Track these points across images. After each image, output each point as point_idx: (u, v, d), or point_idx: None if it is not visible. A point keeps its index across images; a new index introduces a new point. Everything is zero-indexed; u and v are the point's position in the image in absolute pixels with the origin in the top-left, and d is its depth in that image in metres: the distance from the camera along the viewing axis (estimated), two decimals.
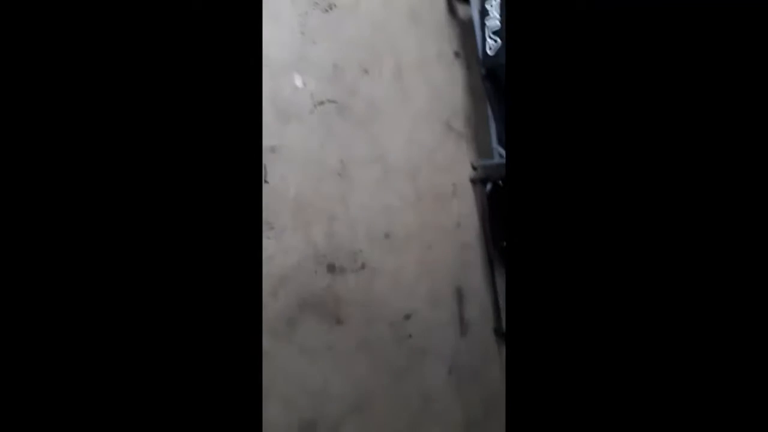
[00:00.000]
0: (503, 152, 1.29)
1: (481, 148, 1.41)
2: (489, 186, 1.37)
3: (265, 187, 1.01)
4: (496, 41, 1.19)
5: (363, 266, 1.13)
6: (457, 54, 1.39)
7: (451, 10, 1.38)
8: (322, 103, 1.09)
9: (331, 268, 1.07)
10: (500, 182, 1.34)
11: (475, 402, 1.32)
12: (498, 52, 1.19)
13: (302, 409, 1.00)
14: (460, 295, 1.33)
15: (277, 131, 1.03)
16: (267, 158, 1.01)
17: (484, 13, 1.21)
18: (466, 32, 1.37)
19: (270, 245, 1.00)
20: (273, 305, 0.99)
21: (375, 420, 1.10)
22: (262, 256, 0.95)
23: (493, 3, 1.19)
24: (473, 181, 1.39)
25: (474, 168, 1.40)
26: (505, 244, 1.38)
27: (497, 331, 1.43)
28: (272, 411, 0.94)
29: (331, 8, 1.13)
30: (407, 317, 1.20)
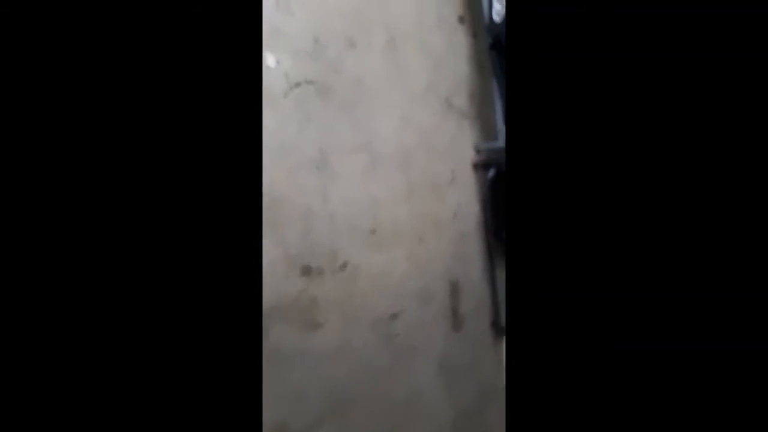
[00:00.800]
0: None
1: (486, 129, 1.26)
2: (492, 171, 1.24)
3: None
4: (504, 5, 1.01)
5: (344, 265, 1.05)
6: (461, 19, 1.20)
7: None
8: (298, 84, 0.96)
9: (306, 270, 1.00)
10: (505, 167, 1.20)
11: (467, 398, 1.28)
12: (506, 19, 1.01)
13: (272, 413, 0.96)
14: (454, 290, 1.24)
15: None
16: None
17: None
18: None
19: None
20: None
21: (355, 422, 1.07)
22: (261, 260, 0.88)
23: None
24: (475, 167, 1.26)
25: (477, 152, 1.26)
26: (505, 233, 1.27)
27: (495, 325, 1.35)
28: None
29: None
30: (394, 317, 1.13)
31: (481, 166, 1.25)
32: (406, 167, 1.13)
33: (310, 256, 1.00)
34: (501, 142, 1.19)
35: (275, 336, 0.97)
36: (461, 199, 1.24)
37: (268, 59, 0.93)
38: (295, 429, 0.98)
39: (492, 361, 1.34)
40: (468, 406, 1.27)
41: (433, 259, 1.19)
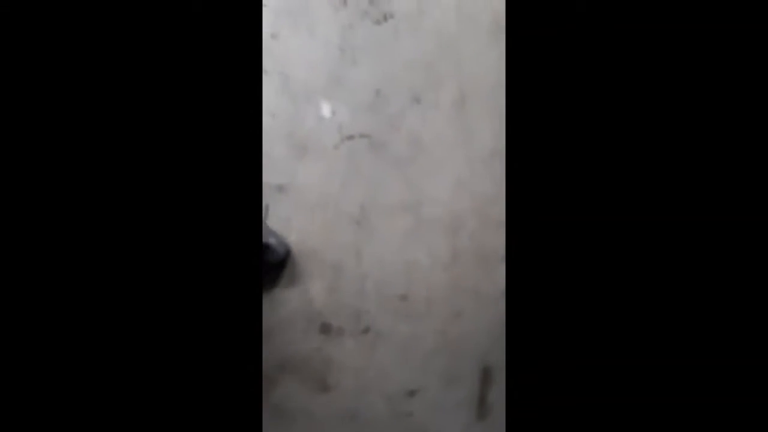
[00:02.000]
0: None
1: None
2: None
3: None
4: None
5: (367, 329, 0.98)
6: None
7: None
8: (351, 137, 0.92)
9: (326, 328, 0.95)
10: None
11: None
12: None
13: None
14: (486, 376, 1.12)
15: (288, 167, 0.90)
16: (272, 198, 0.89)
17: None
18: None
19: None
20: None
21: None
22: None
23: None
24: None
25: None
26: None
27: None
28: None
29: (385, 19, 0.92)
30: (412, 393, 1.04)
31: None
32: (453, 234, 1.03)
33: (333, 314, 0.95)
34: None
35: (282, 390, 0.94)
36: None
37: (324, 109, 0.90)
38: None
39: None
40: None
41: (467, 338, 1.07)
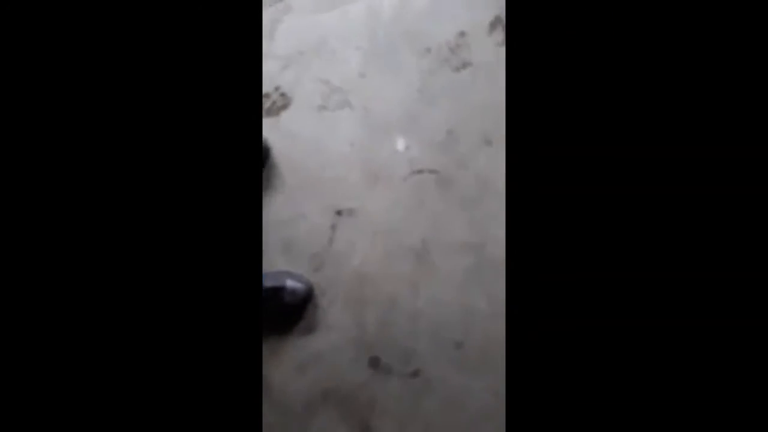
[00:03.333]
0: None
1: None
2: None
3: (326, 250, 0.91)
4: None
5: (416, 373, 0.92)
6: None
7: None
8: (420, 171, 0.95)
9: (375, 362, 0.90)
10: None
11: None
12: None
13: None
14: None
15: (359, 193, 0.93)
16: (339, 220, 0.92)
17: None
18: None
19: (314, 313, 0.90)
20: (296, 379, 0.88)
21: None
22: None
23: None
24: None
25: None
26: None
27: None
28: None
29: (464, 67, 0.98)
30: None
31: None
32: None
33: (383, 349, 0.91)
34: None
35: (321, 423, 0.88)
36: None
37: (398, 143, 0.95)
38: None
39: None
40: None
41: None
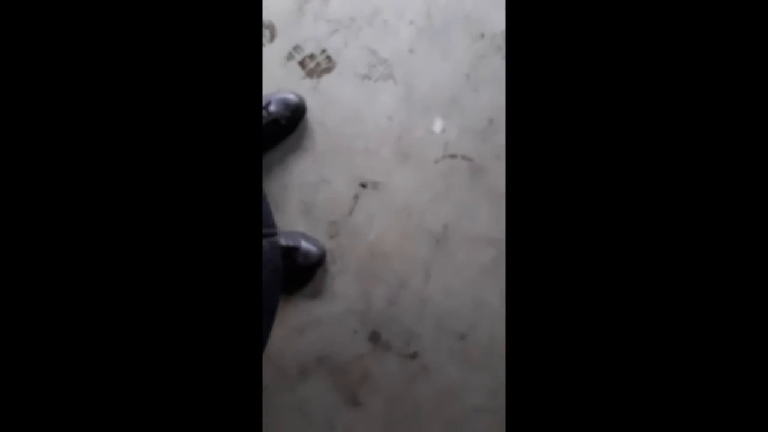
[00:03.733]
0: None
1: None
2: None
3: (344, 220, 0.91)
4: None
5: (414, 356, 0.91)
6: None
7: None
8: (454, 156, 0.93)
9: (375, 337, 0.90)
10: None
11: None
12: None
13: None
14: None
15: (388, 168, 0.92)
16: (363, 192, 0.91)
17: None
18: None
19: (323, 279, 0.90)
20: (294, 341, 0.88)
21: None
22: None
23: None
24: None
25: None
26: None
27: None
28: None
29: None
30: None
31: None
32: None
33: (385, 326, 0.91)
34: None
35: (310, 388, 0.88)
36: None
37: (436, 124, 0.93)
38: None
39: None
40: None
41: None
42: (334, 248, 0.90)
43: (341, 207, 0.92)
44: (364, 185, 0.92)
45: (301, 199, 0.92)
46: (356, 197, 0.91)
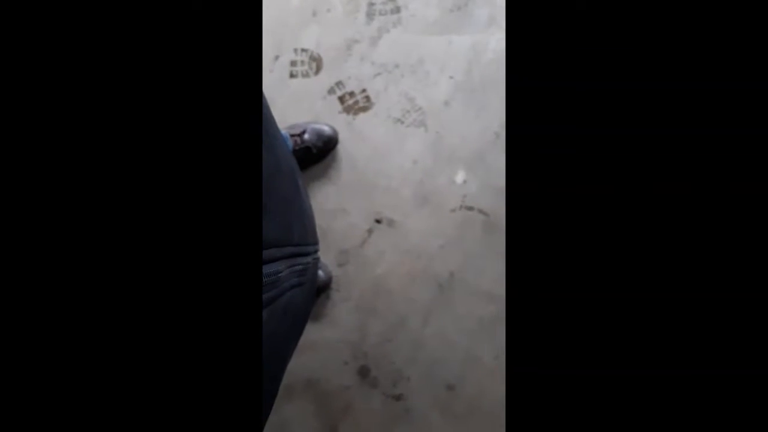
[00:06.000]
0: None
1: None
2: None
3: (356, 251, 0.94)
4: None
5: (399, 398, 0.91)
6: None
7: None
8: (471, 208, 0.96)
9: (364, 372, 0.91)
10: None
11: None
12: None
13: None
14: None
15: (404, 208, 0.95)
16: (377, 227, 0.94)
17: None
18: None
19: (325, 304, 0.92)
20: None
21: None
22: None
23: None
24: None
25: None
26: None
27: None
28: None
29: None
30: None
31: None
32: None
33: (376, 363, 0.92)
34: None
35: (294, 409, 0.89)
36: None
37: (458, 175, 0.96)
38: None
39: None
40: None
41: None
42: (340, 276, 0.93)
43: (354, 238, 0.95)
44: (379, 221, 0.95)
45: (318, 224, 0.96)
46: (370, 231, 0.94)
